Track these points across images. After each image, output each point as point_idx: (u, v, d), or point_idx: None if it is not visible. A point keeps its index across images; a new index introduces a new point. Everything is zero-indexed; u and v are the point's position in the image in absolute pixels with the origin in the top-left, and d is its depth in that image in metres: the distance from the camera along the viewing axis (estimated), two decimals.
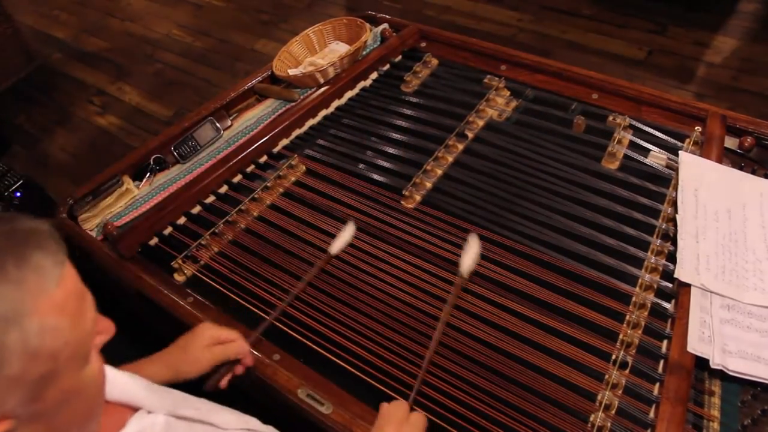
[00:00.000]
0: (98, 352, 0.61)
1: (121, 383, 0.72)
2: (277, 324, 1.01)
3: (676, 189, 1.13)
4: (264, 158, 1.35)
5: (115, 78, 3.20)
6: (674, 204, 1.11)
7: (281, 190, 1.27)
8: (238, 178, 1.31)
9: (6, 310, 0.49)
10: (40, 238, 0.54)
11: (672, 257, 1.03)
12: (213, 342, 0.90)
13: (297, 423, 0.91)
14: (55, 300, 0.52)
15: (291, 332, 1.00)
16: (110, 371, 0.73)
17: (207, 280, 1.11)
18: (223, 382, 0.91)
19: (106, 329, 0.62)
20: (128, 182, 1.32)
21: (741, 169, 1.17)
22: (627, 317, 0.96)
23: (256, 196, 1.25)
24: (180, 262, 1.14)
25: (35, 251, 0.52)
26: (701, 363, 0.89)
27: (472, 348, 0.95)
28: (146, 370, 0.89)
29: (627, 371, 0.90)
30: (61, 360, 0.53)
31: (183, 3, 3.75)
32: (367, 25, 1.58)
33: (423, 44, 1.61)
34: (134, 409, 0.71)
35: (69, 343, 0.53)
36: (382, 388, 0.91)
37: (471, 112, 1.36)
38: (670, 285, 1.00)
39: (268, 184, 1.27)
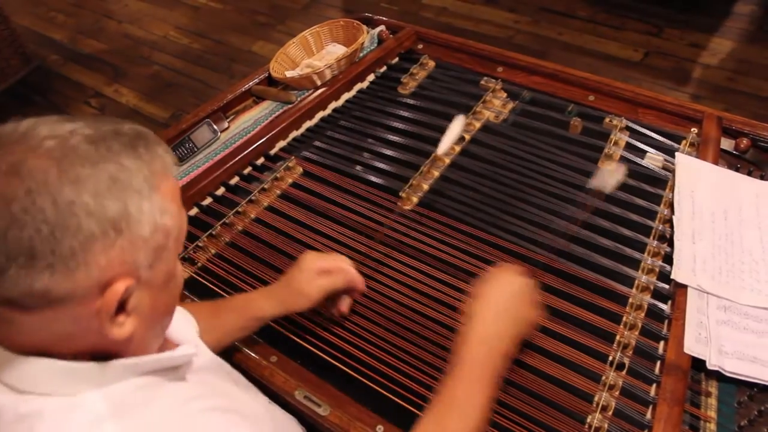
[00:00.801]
0: None
1: (175, 322, 0.76)
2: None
3: (672, 190, 1.13)
4: (261, 160, 1.35)
5: (112, 80, 3.20)
6: (671, 205, 1.11)
7: (278, 191, 1.27)
8: (235, 180, 1.31)
9: (142, 182, 0.56)
10: (160, 140, 0.62)
11: (668, 258, 1.03)
12: (319, 272, 0.93)
13: None
14: (171, 187, 0.60)
15: (288, 334, 1.00)
16: (181, 318, 0.82)
17: (204, 281, 1.11)
18: (343, 308, 0.96)
19: None
20: None
21: (737, 170, 1.17)
22: (624, 318, 0.96)
23: (253, 198, 1.25)
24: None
25: (158, 145, 0.61)
26: (698, 364, 0.89)
27: None
28: (257, 302, 0.95)
29: (624, 372, 0.90)
30: (170, 240, 0.60)
31: (180, 5, 3.75)
32: (364, 27, 1.58)
33: (420, 46, 1.62)
34: None
35: (176, 227, 0.61)
36: (378, 389, 0.91)
37: (468, 114, 1.37)
38: (667, 286, 1.00)
39: (266, 186, 1.27)
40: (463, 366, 0.78)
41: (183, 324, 0.82)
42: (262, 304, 0.94)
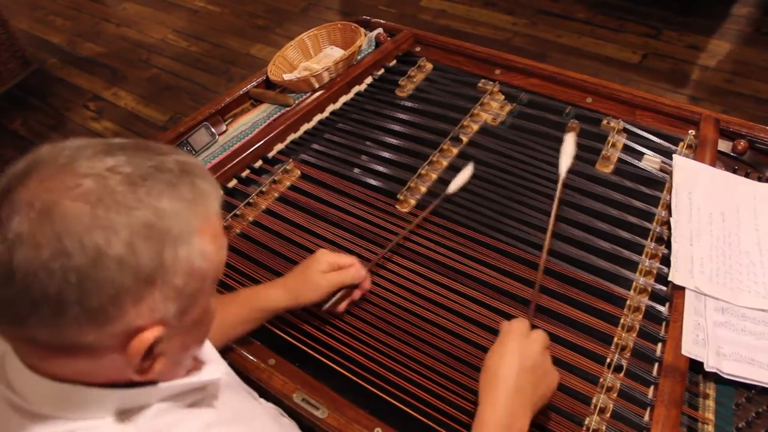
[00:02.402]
0: None
1: None
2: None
3: (670, 192, 1.13)
4: (259, 163, 1.35)
5: (110, 83, 3.20)
6: (668, 207, 1.11)
7: (276, 194, 1.27)
8: (233, 183, 1.31)
9: (181, 227, 0.53)
10: (203, 169, 0.59)
11: (666, 260, 1.03)
12: (331, 268, 0.95)
13: None
14: (213, 226, 0.57)
15: (286, 336, 1.00)
16: None
17: None
18: (342, 306, 0.97)
19: None
20: None
21: (734, 172, 1.17)
22: (621, 320, 0.96)
23: (251, 200, 1.25)
24: None
25: (202, 180, 0.57)
26: (696, 366, 0.89)
27: (466, 351, 0.95)
28: (267, 292, 0.96)
29: (622, 374, 0.90)
30: (207, 282, 0.58)
31: (178, 8, 3.75)
32: (362, 29, 1.59)
33: (417, 49, 1.62)
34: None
35: (213, 269, 0.58)
36: (377, 392, 0.91)
37: (465, 117, 1.37)
38: (665, 288, 1.00)
39: (264, 189, 1.27)
40: None
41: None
42: (272, 294, 0.95)
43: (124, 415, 0.58)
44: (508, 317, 0.98)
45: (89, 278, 0.49)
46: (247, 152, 1.33)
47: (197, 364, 0.69)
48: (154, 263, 0.51)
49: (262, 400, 0.88)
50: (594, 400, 0.87)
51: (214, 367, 0.68)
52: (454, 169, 1.26)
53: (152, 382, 0.59)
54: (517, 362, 0.77)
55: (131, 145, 0.55)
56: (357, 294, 0.99)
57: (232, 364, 0.96)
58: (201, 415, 0.64)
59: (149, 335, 0.53)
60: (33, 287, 0.48)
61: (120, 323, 0.51)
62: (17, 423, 0.56)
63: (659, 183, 1.18)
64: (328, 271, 0.95)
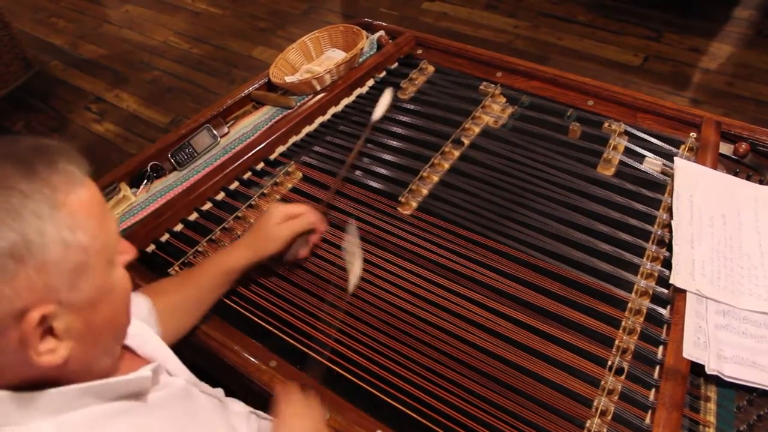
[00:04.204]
0: (123, 267, 0.65)
1: (154, 342, 0.77)
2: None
3: (671, 195, 1.13)
4: (261, 165, 1.35)
5: (112, 85, 3.21)
6: (669, 210, 1.11)
7: (278, 196, 1.27)
8: (234, 185, 1.31)
9: (40, 202, 0.54)
10: (64, 149, 0.59)
11: (667, 263, 1.03)
12: (285, 218, 0.99)
13: None
14: (82, 199, 0.57)
15: (287, 338, 1.00)
16: (148, 331, 0.81)
17: None
18: (303, 252, 1.02)
19: (127, 249, 0.68)
20: (125, 189, 1.32)
21: (736, 175, 1.17)
22: (623, 323, 0.96)
23: (253, 203, 1.25)
24: (177, 268, 1.14)
25: (62, 158, 0.58)
26: (697, 368, 0.89)
27: (467, 353, 0.95)
28: (229, 254, 1.00)
29: (623, 377, 0.90)
30: (91, 254, 0.57)
31: (180, 10, 3.76)
32: (364, 32, 1.59)
33: (419, 51, 1.62)
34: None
35: (97, 240, 0.58)
36: (378, 394, 0.91)
37: (467, 119, 1.37)
38: (666, 291, 1.00)
39: (265, 191, 1.27)
40: None
41: (154, 337, 0.82)
42: (233, 254, 0.98)
43: (50, 419, 0.58)
44: (509, 319, 0.99)
45: None
46: (249, 154, 1.33)
47: (138, 362, 0.71)
48: (18, 241, 0.52)
49: (231, 400, 0.87)
50: (595, 403, 0.87)
51: (145, 369, 0.68)
52: (456, 171, 1.26)
53: (72, 385, 0.59)
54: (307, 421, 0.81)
55: None
56: (314, 238, 1.03)
57: (232, 366, 0.97)
58: (128, 420, 0.64)
59: (36, 313, 0.53)
60: None
61: (1, 306, 0.52)
62: None
63: (660, 186, 1.18)
64: (283, 222, 0.99)
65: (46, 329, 0.55)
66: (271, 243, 0.99)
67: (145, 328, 0.81)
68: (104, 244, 0.59)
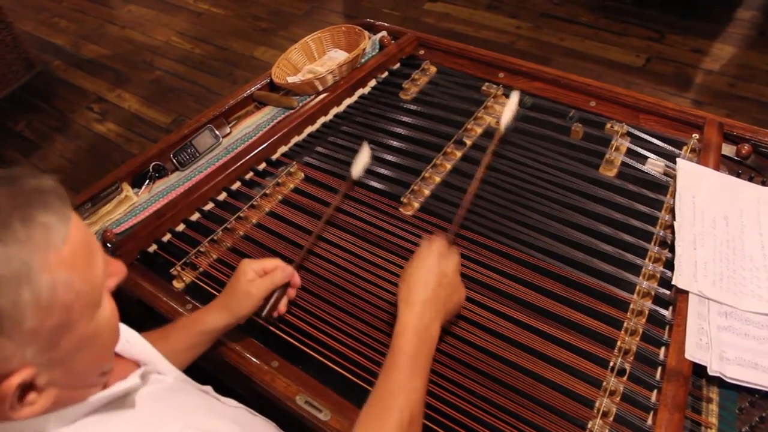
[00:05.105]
0: (109, 294, 0.63)
1: (139, 344, 0.76)
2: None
3: (673, 196, 1.13)
4: (263, 165, 1.35)
5: (114, 85, 3.21)
6: (672, 211, 1.11)
7: (280, 197, 1.27)
8: (236, 186, 1.31)
9: (17, 268, 0.50)
10: (44, 196, 0.55)
11: (670, 264, 1.03)
12: (257, 275, 0.95)
13: (295, 430, 0.91)
14: (63, 255, 0.54)
15: (289, 339, 1.00)
16: (132, 334, 0.79)
17: (206, 287, 1.11)
18: (281, 308, 0.98)
19: (116, 271, 0.64)
20: (127, 189, 1.32)
21: (738, 176, 1.17)
22: (625, 324, 0.96)
23: (254, 203, 1.25)
24: (179, 269, 1.14)
25: (40, 210, 0.53)
26: (699, 370, 0.89)
27: (469, 354, 0.95)
28: (205, 317, 0.95)
29: (625, 378, 0.90)
30: (75, 310, 0.55)
31: (182, 10, 3.76)
32: (366, 32, 1.59)
33: (421, 52, 1.62)
34: None
35: (81, 295, 0.55)
36: None
37: (469, 120, 1.37)
38: (668, 292, 1.00)
39: (267, 192, 1.28)
40: (400, 357, 0.80)
41: (138, 338, 0.81)
42: (209, 317, 0.93)
43: None
44: (510, 319, 0.98)
45: None
46: (251, 155, 1.33)
47: (131, 367, 0.70)
48: None
49: (227, 400, 0.87)
50: (597, 404, 0.87)
51: (133, 377, 0.68)
52: (457, 172, 1.26)
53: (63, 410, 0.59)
54: (434, 278, 0.86)
55: None
56: (291, 293, 0.99)
57: (233, 366, 0.97)
58: (117, 419, 0.64)
59: (14, 380, 0.51)
60: None
61: None
62: None
63: (663, 187, 1.18)
64: (255, 279, 0.94)
65: (27, 387, 0.54)
66: (247, 302, 0.93)
67: (128, 330, 0.79)
68: (90, 291, 0.57)
